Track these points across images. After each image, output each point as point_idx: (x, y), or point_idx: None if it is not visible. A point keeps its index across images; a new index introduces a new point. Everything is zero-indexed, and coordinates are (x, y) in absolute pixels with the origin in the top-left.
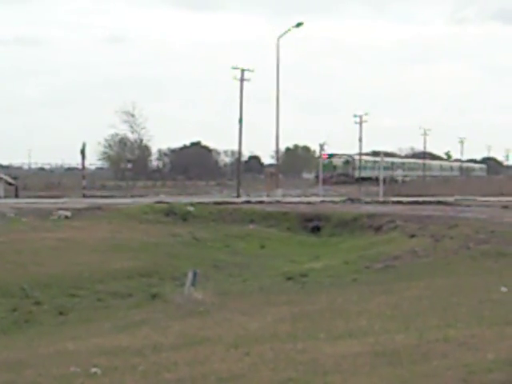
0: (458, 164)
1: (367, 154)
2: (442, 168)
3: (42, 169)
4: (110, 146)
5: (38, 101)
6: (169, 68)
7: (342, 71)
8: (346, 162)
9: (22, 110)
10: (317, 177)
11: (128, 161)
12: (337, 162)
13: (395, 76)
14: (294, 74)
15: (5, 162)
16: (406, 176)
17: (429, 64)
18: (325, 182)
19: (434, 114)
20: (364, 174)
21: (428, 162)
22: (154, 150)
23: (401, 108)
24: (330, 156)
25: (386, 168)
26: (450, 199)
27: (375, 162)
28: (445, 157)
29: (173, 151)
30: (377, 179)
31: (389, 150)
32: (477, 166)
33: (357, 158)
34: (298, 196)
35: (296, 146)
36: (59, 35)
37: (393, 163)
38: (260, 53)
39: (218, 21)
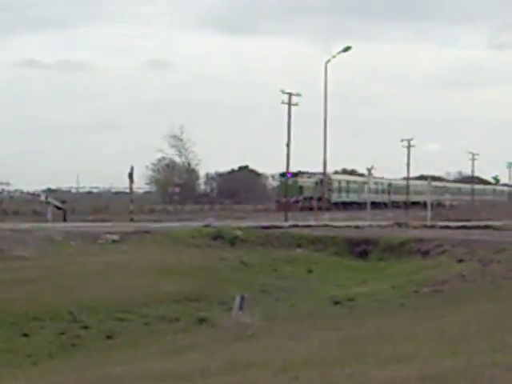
0: (508, 189)
1: (415, 179)
2: (494, 192)
3: (89, 192)
4: (157, 169)
5: (84, 125)
6: (213, 92)
7: (387, 95)
8: (320, 183)
9: (68, 134)
10: (277, 202)
11: (176, 185)
12: (305, 182)
13: (440, 100)
14: (338, 97)
15: (53, 186)
16: (453, 200)
17: (473, 88)
18: (288, 207)
19: (480, 138)
20: (346, 198)
21: (481, 186)
22: (201, 173)
23: (447, 132)
24: (295, 175)
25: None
26: (498, 224)
27: (364, 183)
28: (492, 181)
29: (220, 175)
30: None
31: (436, 174)
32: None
33: (335, 177)
34: (346, 220)
35: (344, 170)
36: (102, 60)
37: (436, 187)
38: (303, 76)
39: (260, 45)
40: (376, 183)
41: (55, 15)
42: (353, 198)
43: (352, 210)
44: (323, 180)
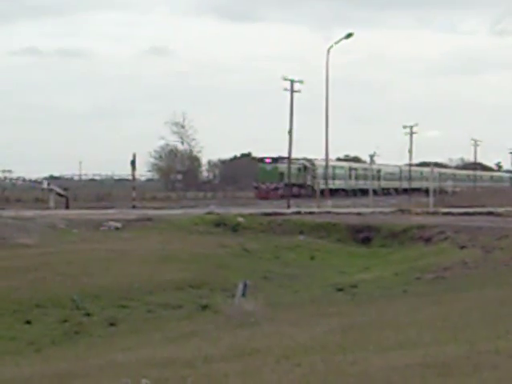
0: (508, 175)
1: (417, 165)
2: (492, 179)
3: (92, 180)
4: (160, 157)
5: (86, 112)
6: (215, 79)
7: (389, 82)
8: (303, 169)
9: (71, 121)
10: (256, 188)
11: (178, 172)
12: (286, 168)
13: (443, 87)
14: (340, 84)
15: (55, 173)
16: (456, 187)
17: (476, 74)
18: (267, 195)
19: (483, 124)
20: (332, 185)
21: (479, 173)
22: (204, 161)
23: (450, 119)
24: (275, 160)
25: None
26: (500, 210)
27: (352, 169)
28: (495, 168)
29: (223, 162)
30: (359, 191)
31: (439, 161)
32: (495, 174)
33: (319, 163)
34: (348, 207)
35: (347, 157)
36: (103, 47)
37: (421, 173)
38: (305, 63)
39: (261, 32)
40: (365, 169)
41: (55, 2)
42: (339, 185)
43: (338, 197)
44: (306, 166)
